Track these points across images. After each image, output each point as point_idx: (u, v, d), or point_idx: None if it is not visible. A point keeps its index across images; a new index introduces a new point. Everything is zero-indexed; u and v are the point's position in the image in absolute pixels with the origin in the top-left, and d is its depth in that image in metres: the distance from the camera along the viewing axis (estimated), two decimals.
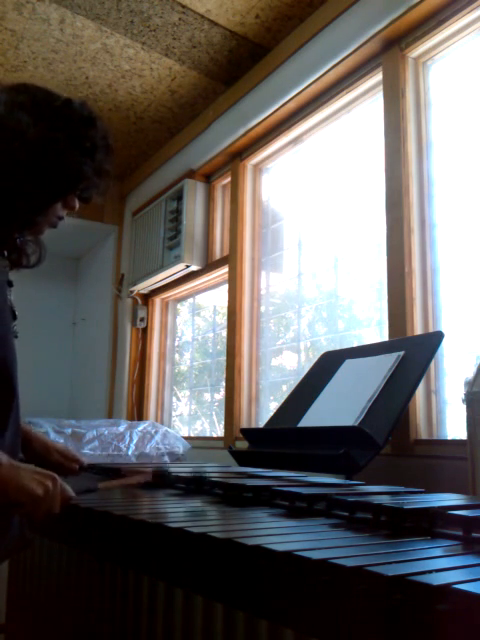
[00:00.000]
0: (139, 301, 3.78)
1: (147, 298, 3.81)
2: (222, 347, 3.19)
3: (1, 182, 1.07)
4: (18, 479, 0.95)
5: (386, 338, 2.06)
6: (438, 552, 0.76)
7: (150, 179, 3.78)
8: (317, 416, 1.88)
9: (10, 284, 1.17)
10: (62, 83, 3.08)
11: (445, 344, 1.85)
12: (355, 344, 2.33)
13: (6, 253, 1.17)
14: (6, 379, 1.07)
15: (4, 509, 0.98)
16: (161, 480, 1.24)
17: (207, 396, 3.40)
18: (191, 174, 3.30)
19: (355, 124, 2.48)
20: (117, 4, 2.53)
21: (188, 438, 3.13)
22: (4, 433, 1.06)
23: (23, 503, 0.95)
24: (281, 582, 0.71)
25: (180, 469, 1.63)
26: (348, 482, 1.53)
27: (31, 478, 0.96)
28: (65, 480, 1.06)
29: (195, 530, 0.86)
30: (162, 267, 3.37)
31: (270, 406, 2.77)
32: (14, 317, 1.15)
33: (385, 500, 1.05)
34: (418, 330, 1.96)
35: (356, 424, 1.67)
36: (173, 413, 3.68)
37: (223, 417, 2.90)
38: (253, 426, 2.76)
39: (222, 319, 3.26)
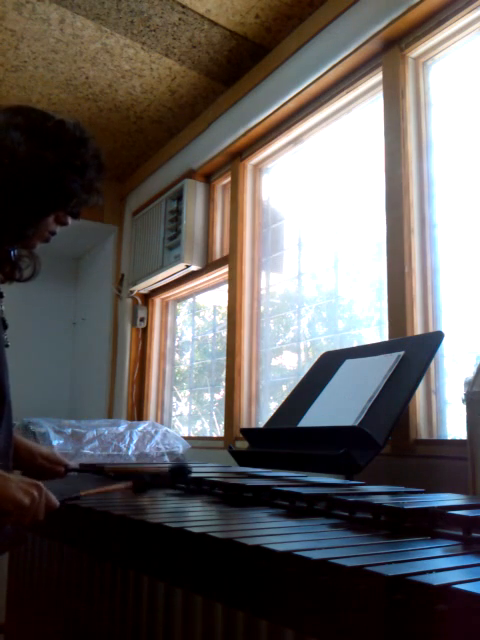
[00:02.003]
0: (139, 301, 3.78)
1: (147, 298, 3.81)
2: (222, 347, 3.19)
3: None
4: (5, 489, 0.99)
5: (386, 338, 2.06)
6: (438, 552, 0.76)
7: (150, 179, 3.78)
8: (317, 416, 1.88)
9: (0, 295, 1.19)
10: (62, 83, 3.08)
11: (445, 344, 1.85)
12: (355, 344, 2.33)
13: None
14: None
15: None
16: (141, 487, 1.26)
17: (207, 396, 3.40)
18: (191, 174, 3.30)
19: (355, 124, 2.48)
20: (117, 4, 2.53)
21: (188, 438, 3.13)
22: None
23: (10, 511, 0.99)
24: (281, 582, 0.71)
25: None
26: (348, 482, 1.53)
27: (18, 488, 1.00)
28: (50, 487, 1.10)
29: (195, 530, 0.86)
30: (162, 267, 3.37)
31: (270, 406, 2.77)
32: (5, 327, 1.19)
33: (385, 500, 1.05)
34: (418, 330, 1.96)
35: (356, 424, 1.67)
36: (173, 413, 3.68)
37: (223, 417, 2.90)
38: (253, 426, 2.75)
39: (222, 319, 3.26)
